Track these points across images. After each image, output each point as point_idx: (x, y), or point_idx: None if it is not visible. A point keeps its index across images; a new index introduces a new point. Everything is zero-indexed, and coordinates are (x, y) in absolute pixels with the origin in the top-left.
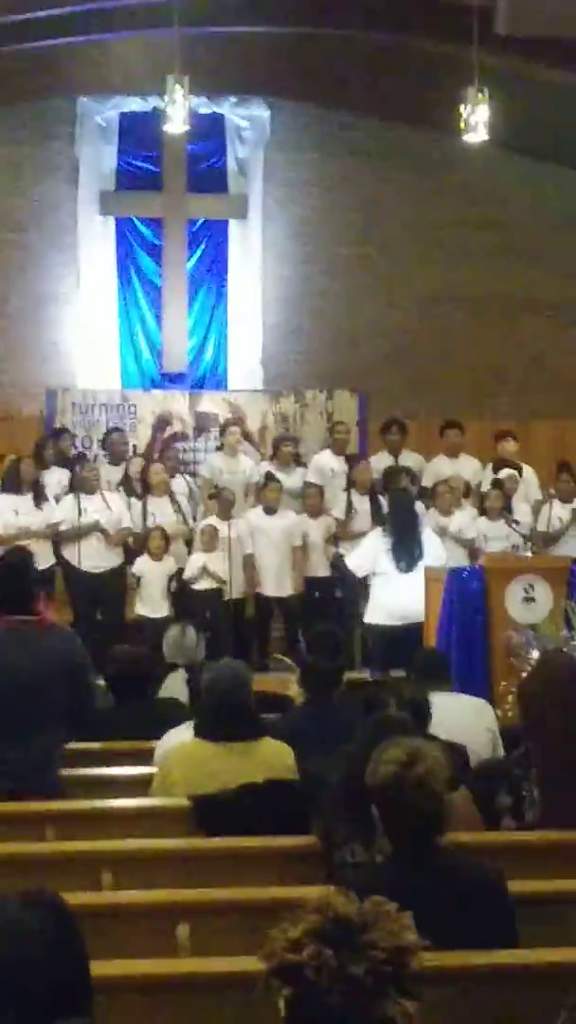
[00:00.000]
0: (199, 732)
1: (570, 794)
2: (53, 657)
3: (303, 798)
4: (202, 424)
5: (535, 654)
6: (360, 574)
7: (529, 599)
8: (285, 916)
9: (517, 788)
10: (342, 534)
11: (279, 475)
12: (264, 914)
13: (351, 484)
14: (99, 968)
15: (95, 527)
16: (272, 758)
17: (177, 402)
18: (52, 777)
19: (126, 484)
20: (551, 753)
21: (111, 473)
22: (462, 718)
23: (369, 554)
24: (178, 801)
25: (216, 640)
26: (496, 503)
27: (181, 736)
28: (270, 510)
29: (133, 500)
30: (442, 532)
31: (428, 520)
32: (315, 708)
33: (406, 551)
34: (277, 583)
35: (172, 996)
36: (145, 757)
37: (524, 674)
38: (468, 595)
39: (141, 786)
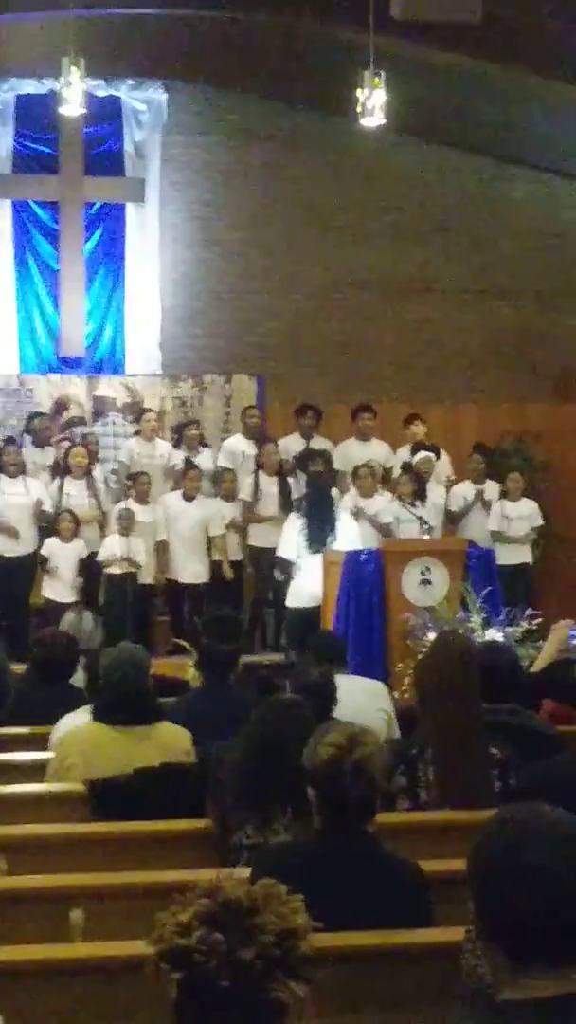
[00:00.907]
0: (97, 716)
1: (464, 775)
2: None
3: (198, 781)
4: (100, 408)
5: (432, 636)
6: (290, 558)
7: (426, 581)
8: (175, 899)
9: (412, 769)
10: (249, 517)
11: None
12: (159, 898)
13: (259, 467)
14: None
15: None
16: (169, 742)
17: (75, 386)
18: None
19: (55, 468)
20: (446, 734)
21: (36, 456)
22: (357, 700)
23: (291, 539)
24: (73, 786)
25: (119, 624)
26: (406, 487)
27: (78, 720)
28: (188, 497)
29: (56, 480)
30: (360, 515)
31: (346, 503)
32: (211, 692)
33: (316, 533)
34: (190, 569)
35: (66, 981)
36: (44, 742)
37: (421, 656)
38: (365, 577)
39: (38, 771)
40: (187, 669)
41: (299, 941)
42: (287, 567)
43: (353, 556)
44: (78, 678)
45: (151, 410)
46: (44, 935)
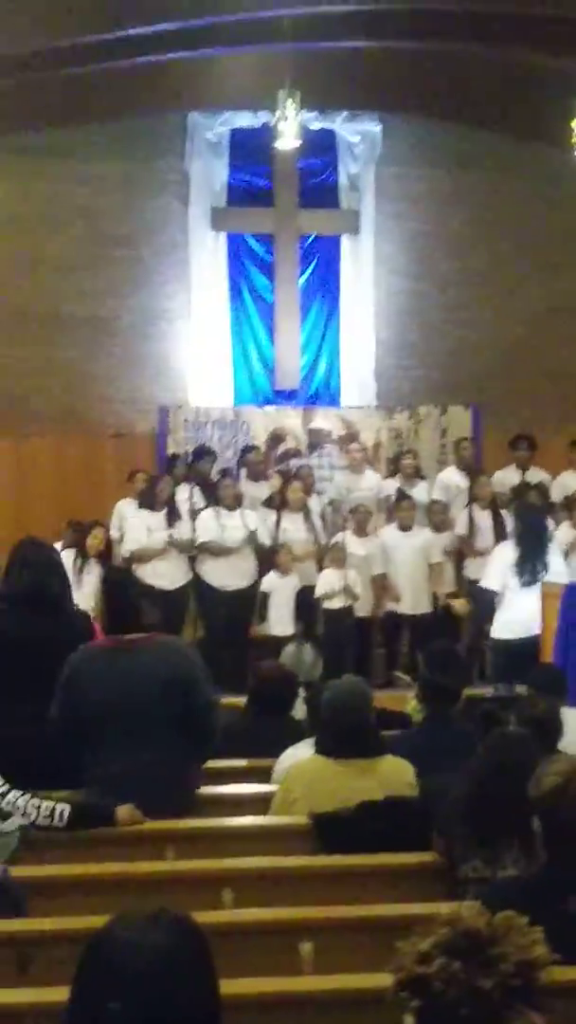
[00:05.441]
0: (320, 749)
1: None
2: (150, 672)
3: (422, 815)
4: (315, 441)
5: None
6: (495, 588)
7: None
8: (415, 930)
9: None
10: (465, 551)
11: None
12: (385, 931)
13: (472, 499)
14: (222, 987)
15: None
16: (393, 775)
17: (290, 419)
18: (176, 794)
19: (270, 501)
20: None
21: (250, 489)
22: None
23: (498, 569)
24: (298, 819)
25: (338, 657)
26: None
27: (300, 754)
28: (404, 528)
29: (271, 513)
30: (571, 547)
31: (561, 536)
32: (434, 725)
33: (528, 566)
34: (411, 600)
35: (295, 1014)
36: (264, 775)
37: None
38: None
39: (261, 804)
40: (408, 702)
41: (538, 972)
42: (481, 594)
43: (572, 588)
44: (298, 710)
45: (357, 442)
46: (271, 968)
